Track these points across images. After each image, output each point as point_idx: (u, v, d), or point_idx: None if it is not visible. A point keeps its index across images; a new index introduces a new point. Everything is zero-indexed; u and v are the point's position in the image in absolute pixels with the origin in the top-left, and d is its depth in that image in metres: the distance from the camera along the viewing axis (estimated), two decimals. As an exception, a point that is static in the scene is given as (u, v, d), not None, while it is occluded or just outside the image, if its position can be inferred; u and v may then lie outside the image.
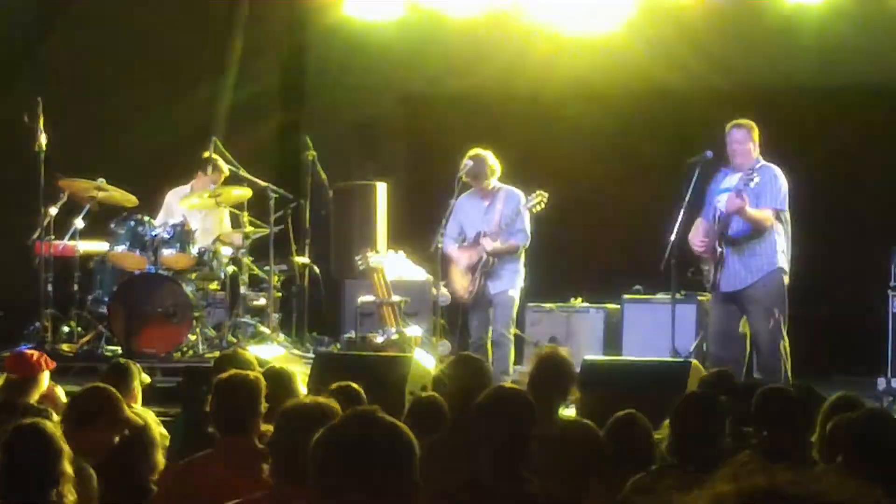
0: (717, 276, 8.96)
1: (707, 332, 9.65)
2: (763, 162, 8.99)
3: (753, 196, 8.86)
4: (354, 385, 5.87)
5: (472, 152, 9.77)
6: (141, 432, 5.62)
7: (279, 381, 5.86)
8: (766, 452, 5.02)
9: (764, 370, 8.81)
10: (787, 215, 8.99)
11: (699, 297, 10.20)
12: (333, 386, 5.94)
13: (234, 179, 10.89)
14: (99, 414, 5.38)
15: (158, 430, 6.86)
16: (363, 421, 2.75)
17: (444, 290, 9.81)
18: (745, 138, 8.98)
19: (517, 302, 9.86)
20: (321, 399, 4.14)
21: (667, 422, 5.17)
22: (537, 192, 9.70)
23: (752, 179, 8.76)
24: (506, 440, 4.38)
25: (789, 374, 8.79)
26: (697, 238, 9.04)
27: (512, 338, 9.82)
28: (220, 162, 10.77)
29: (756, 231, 8.88)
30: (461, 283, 9.79)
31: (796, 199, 9.17)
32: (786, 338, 8.87)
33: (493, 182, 9.81)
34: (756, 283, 8.88)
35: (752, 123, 9.06)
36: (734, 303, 8.98)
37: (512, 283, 9.76)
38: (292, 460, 3.73)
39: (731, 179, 9.02)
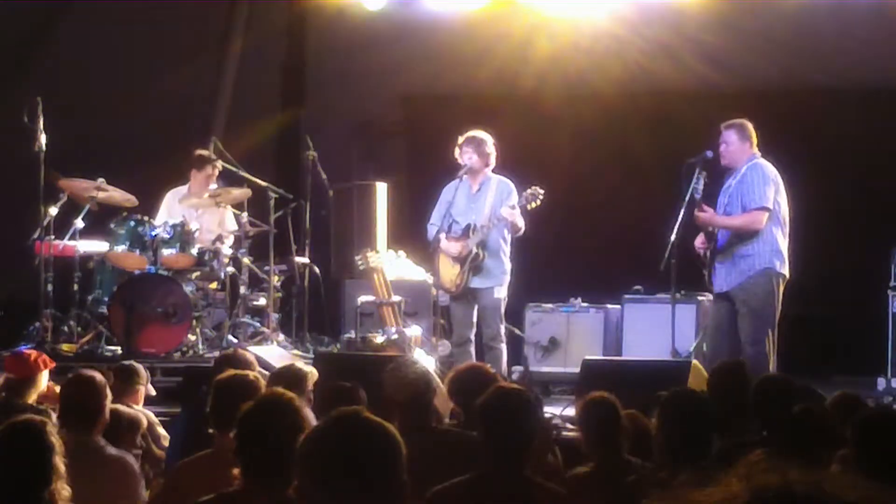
0: (711, 276, 8.98)
1: (706, 331, 9.67)
2: (757, 159, 8.97)
3: (739, 197, 8.86)
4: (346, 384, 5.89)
5: (470, 134, 9.55)
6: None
7: (298, 382, 5.83)
8: (766, 443, 5.05)
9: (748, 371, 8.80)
10: (783, 213, 8.96)
11: (699, 297, 10.20)
12: (329, 386, 5.96)
13: (234, 179, 10.90)
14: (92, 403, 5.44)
15: (158, 431, 6.90)
16: (348, 422, 2.75)
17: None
18: (734, 138, 8.96)
19: (504, 303, 9.61)
20: (277, 390, 4.19)
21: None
22: (533, 187, 9.43)
23: (730, 187, 8.78)
24: (508, 440, 4.38)
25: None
26: (699, 240, 9.05)
27: (503, 341, 9.58)
28: (214, 158, 10.79)
29: (744, 234, 8.86)
30: (448, 275, 9.55)
31: (797, 199, 9.17)
32: (771, 340, 8.87)
33: (487, 170, 9.62)
34: (744, 284, 8.87)
35: (746, 122, 9.03)
36: (727, 303, 8.99)
37: (499, 282, 9.50)
38: (255, 455, 3.83)
39: (729, 180, 9.04)
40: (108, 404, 5.58)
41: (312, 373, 6.24)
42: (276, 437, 3.83)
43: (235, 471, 3.92)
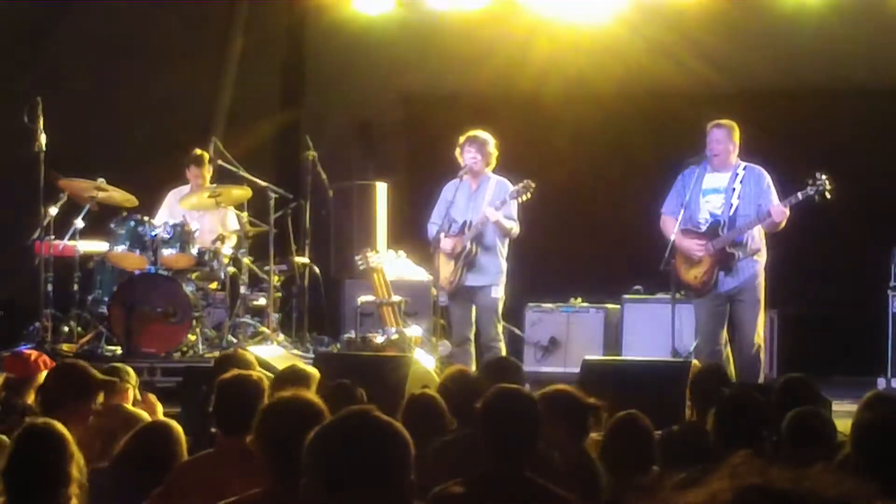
0: (718, 277, 8.97)
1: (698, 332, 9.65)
2: (744, 162, 9.02)
3: (755, 199, 8.89)
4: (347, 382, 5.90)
5: (472, 134, 9.55)
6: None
7: (303, 382, 5.83)
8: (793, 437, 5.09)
9: (745, 369, 8.82)
10: None
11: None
12: (327, 385, 5.96)
13: (234, 179, 10.90)
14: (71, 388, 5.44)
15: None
16: (358, 421, 2.75)
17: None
18: (725, 138, 8.99)
19: (502, 302, 9.59)
20: (305, 395, 4.16)
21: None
22: (525, 181, 9.36)
23: (818, 191, 8.71)
24: (509, 440, 4.37)
25: (763, 374, 8.89)
26: (694, 242, 9.02)
27: (502, 340, 9.56)
28: (197, 156, 10.79)
29: (753, 234, 8.93)
30: (444, 272, 9.55)
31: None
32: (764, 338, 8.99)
33: (487, 170, 9.58)
34: (748, 280, 8.93)
35: (734, 123, 9.06)
36: (725, 303, 9.00)
37: (495, 280, 9.48)
38: (282, 457, 3.79)
39: (717, 180, 9.03)
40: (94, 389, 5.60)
41: (315, 374, 6.25)
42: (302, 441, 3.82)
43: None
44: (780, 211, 8.78)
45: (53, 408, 5.33)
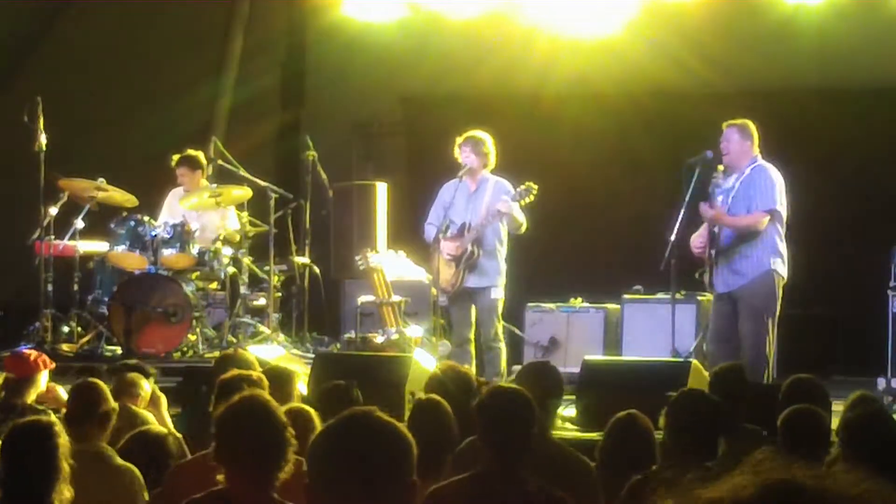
0: (712, 277, 8.97)
1: (707, 331, 9.67)
2: (759, 161, 8.96)
3: (745, 199, 8.84)
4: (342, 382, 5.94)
5: (469, 134, 9.55)
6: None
7: (279, 380, 5.88)
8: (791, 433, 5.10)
9: (748, 371, 8.80)
10: (782, 215, 8.96)
11: (699, 297, 10.19)
12: (324, 386, 5.99)
13: (234, 179, 10.91)
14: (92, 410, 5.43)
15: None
16: (360, 421, 2.76)
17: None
18: (737, 138, 8.94)
19: (502, 303, 9.58)
20: (258, 395, 4.19)
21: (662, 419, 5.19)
22: (526, 183, 9.37)
23: (733, 188, 8.74)
24: (506, 440, 4.38)
25: (771, 377, 8.83)
26: (697, 240, 9.03)
27: (502, 341, 9.57)
28: (195, 161, 10.78)
29: (746, 235, 8.85)
30: (445, 275, 9.53)
31: (796, 199, 9.16)
32: (771, 342, 8.86)
33: (485, 170, 9.58)
34: (746, 285, 8.85)
35: (748, 122, 9.01)
36: (730, 303, 8.98)
37: (494, 282, 9.47)
38: (238, 458, 3.88)
39: (730, 180, 9.01)
40: (112, 411, 5.59)
41: (297, 373, 6.30)
42: (256, 439, 3.86)
43: (220, 476, 3.93)
44: (703, 209, 8.78)
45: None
